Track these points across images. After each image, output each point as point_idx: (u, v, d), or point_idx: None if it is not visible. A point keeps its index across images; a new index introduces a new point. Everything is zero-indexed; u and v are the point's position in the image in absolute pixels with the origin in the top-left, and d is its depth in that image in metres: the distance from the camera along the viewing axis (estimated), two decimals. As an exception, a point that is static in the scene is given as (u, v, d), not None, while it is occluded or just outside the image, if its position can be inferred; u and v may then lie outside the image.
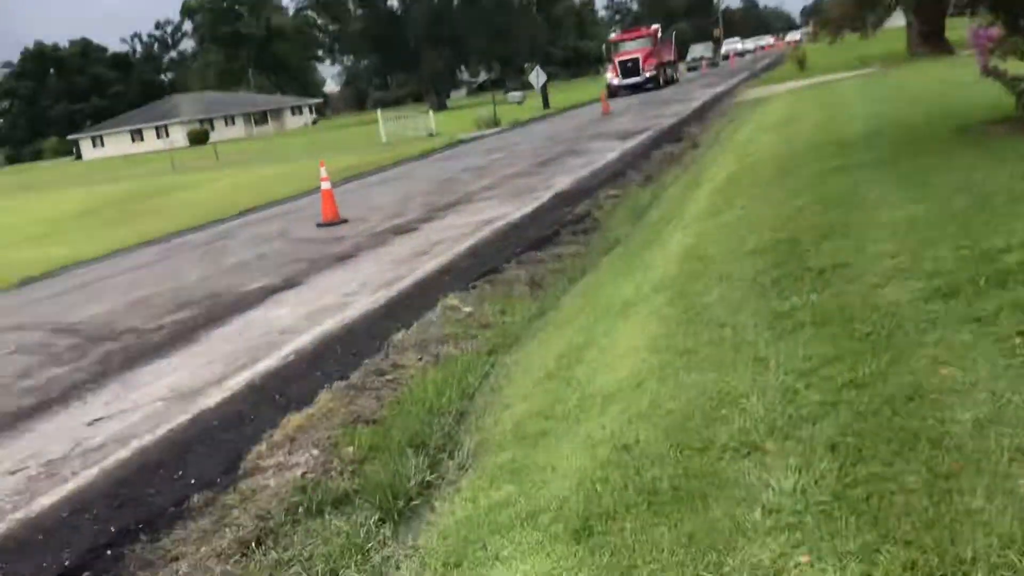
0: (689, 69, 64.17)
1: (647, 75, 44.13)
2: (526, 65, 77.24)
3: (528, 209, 12.44)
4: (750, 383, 3.72)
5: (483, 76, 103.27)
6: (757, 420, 3.38)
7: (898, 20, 29.44)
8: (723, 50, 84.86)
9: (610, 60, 47.04)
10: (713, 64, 67.29)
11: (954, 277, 4.25)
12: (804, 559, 2.50)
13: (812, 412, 3.31)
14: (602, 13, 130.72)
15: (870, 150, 8.68)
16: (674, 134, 19.96)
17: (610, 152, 18.38)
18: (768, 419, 3.36)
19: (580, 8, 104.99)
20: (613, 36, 49.96)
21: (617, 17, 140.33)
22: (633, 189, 12.72)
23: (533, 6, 67.56)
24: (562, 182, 14.75)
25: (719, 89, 35.12)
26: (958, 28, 21.11)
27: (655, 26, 51.24)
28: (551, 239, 9.92)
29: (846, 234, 5.55)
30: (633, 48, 46.63)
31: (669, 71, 49.15)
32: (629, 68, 44.71)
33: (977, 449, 2.78)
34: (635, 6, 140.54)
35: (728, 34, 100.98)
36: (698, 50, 74.49)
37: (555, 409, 4.50)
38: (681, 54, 63.74)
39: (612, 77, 45.54)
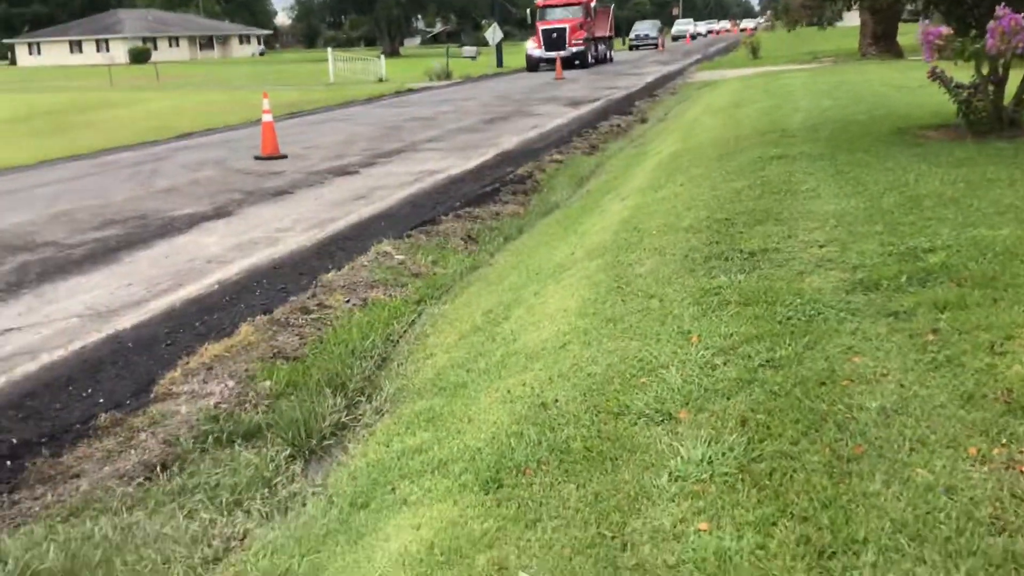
0: (631, 48, 59.98)
1: (574, 49, 38.30)
2: (484, 21, 76.39)
3: (471, 165, 12.37)
4: (671, 354, 3.78)
5: (439, 27, 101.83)
6: (674, 390, 3.43)
7: (853, 19, 29.92)
8: (674, 30, 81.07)
9: (534, 27, 40.66)
10: (658, 46, 59.75)
11: (877, 272, 4.35)
12: (703, 527, 2.55)
13: (727, 387, 3.37)
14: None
15: (810, 142, 8.82)
16: (623, 107, 20.00)
17: (559, 117, 18.36)
18: (684, 390, 3.41)
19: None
20: (540, 1, 42.00)
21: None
22: (578, 156, 12.73)
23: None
24: (508, 141, 14.69)
25: (672, 68, 35.27)
26: (909, 34, 21.52)
27: None
28: (491, 196, 9.89)
29: (779, 220, 5.65)
30: (561, 16, 40.17)
31: (602, 48, 43.43)
32: (554, 39, 38.72)
33: (880, 436, 2.86)
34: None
35: (687, 15, 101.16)
36: (643, 28, 64.43)
37: (478, 362, 4.51)
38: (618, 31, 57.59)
39: (533, 47, 39.60)
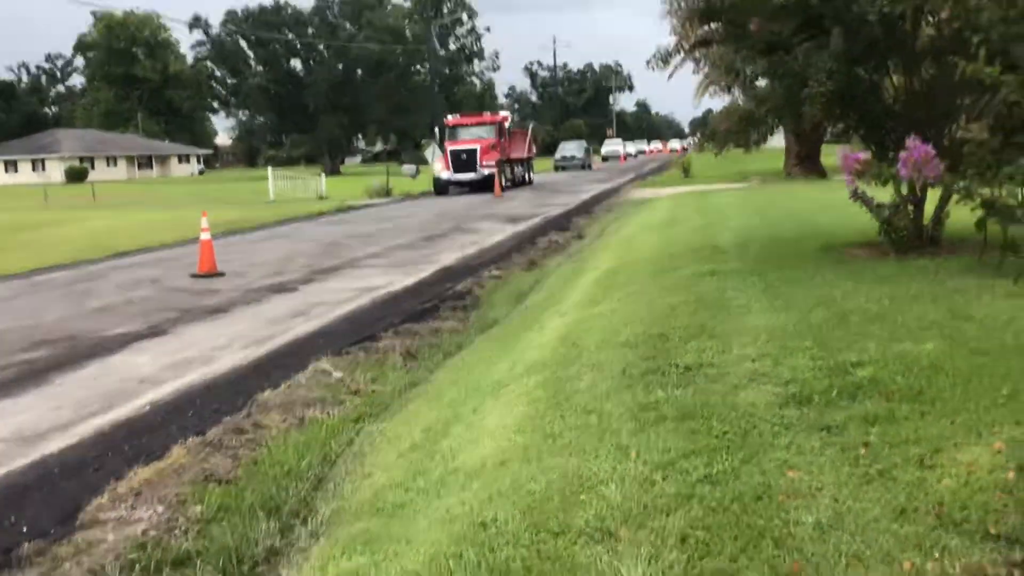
0: (557, 169, 56.89)
1: (485, 172, 34.40)
2: (423, 140, 78.05)
3: (410, 281, 12.44)
4: (610, 470, 3.78)
5: (380, 146, 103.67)
6: (614, 507, 3.42)
7: (779, 141, 31.24)
8: (604, 150, 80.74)
9: (442, 148, 37.13)
10: (584, 167, 57.55)
11: (809, 386, 4.45)
12: (646, 648, 2.52)
13: (666, 503, 3.38)
14: (502, 100, 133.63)
15: (741, 259, 9.08)
16: (562, 223, 20.42)
17: (499, 233, 18.64)
18: (624, 507, 3.41)
19: (481, 92, 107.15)
20: (450, 119, 39.39)
21: (516, 106, 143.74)
22: (517, 272, 12.90)
23: (435, 85, 68.44)
24: (448, 258, 14.84)
25: (608, 186, 36.24)
26: (831, 155, 22.50)
27: (503, 114, 42.17)
28: (431, 313, 9.93)
29: (712, 335, 5.76)
30: (471, 137, 36.59)
31: (519, 170, 40.05)
32: (463, 160, 35.23)
33: (816, 552, 2.88)
34: (534, 98, 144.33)
35: (620, 135, 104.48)
36: (569, 148, 61.78)
37: (416, 481, 4.45)
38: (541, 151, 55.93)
39: (441, 169, 36.00)
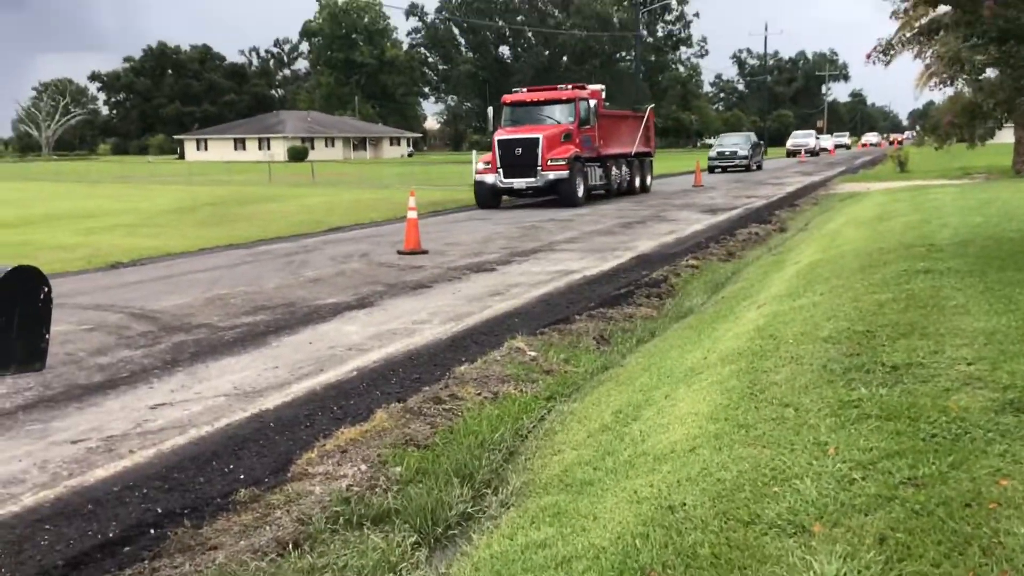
0: (711, 170, 42.52)
1: (551, 176, 23.03)
2: (624, 128, 77.68)
3: (607, 266, 12.48)
4: (806, 465, 3.68)
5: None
6: (808, 502, 3.33)
7: (1007, 135, 29.00)
8: (789, 144, 67.54)
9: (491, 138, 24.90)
10: (750, 167, 44.09)
11: (1030, 393, 4.15)
12: (836, 645, 2.46)
13: (866, 503, 3.25)
14: (707, 88, 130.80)
15: (959, 257, 8.52)
16: (763, 216, 19.84)
17: (696, 223, 18.37)
18: (820, 503, 3.31)
19: (685, 79, 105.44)
20: (508, 96, 26.07)
21: (722, 95, 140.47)
22: (714, 262, 12.67)
23: (639, 72, 67.71)
24: (644, 245, 14.77)
25: (815, 179, 34.84)
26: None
27: (593, 88, 26.54)
28: (625, 298, 9.93)
29: (924, 335, 5.46)
30: (532, 124, 24.21)
31: (622, 172, 27.14)
32: (518, 158, 23.27)
33: (1030, 565, 2.70)
34: (741, 86, 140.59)
35: (833, 128, 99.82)
36: (728, 143, 46.68)
37: (605, 461, 4.50)
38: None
39: (484, 170, 24.04)
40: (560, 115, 24.34)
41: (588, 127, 24.48)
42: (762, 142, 50.07)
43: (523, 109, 25.06)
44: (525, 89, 26.78)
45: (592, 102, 24.91)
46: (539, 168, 22.99)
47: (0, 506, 4.61)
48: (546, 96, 25.05)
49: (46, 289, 2.61)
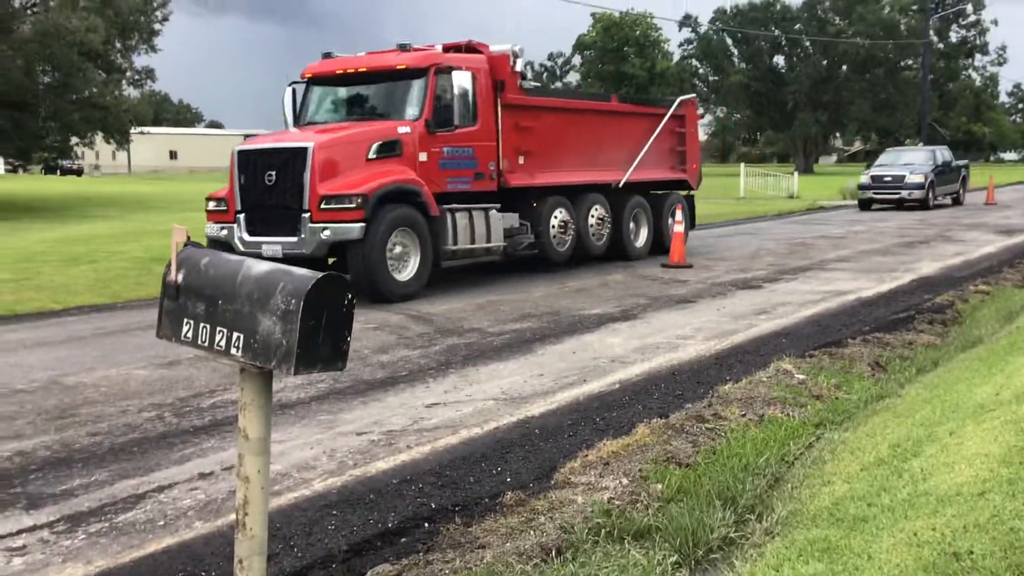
0: (862, 205, 29.09)
1: (324, 233, 10.95)
2: (907, 140, 73.00)
3: (883, 288, 11.79)
4: (1119, 524, 3.29)
5: (857, 145, 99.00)
6: (1121, 566, 2.99)
7: None
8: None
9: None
10: (919, 203, 28.10)
11: None
12: None
13: None
14: (1004, 99, 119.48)
15: None
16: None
17: (987, 245, 16.92)
18: None
19: (979, 88, 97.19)
20: (314, 66, 13.35)
21: (1020, 106, 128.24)
22: (1008, 288, 11.61)
23: (927, 81, 63.00)
24: (926, 267, 13.81)
25: None
26: None
27: (498, 49, 13.28)
28: (904, 323, 9.32)
29: None
30: (351, 121, 12.72)
31: (585, 218, 14.35)
32: (268, 191, 11.44)
33: None
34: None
35: None
36: (899, 162, 30.24)
37: (880, 497, 4.25)
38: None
39: (214, 214, 12.15)
40: (392, 104, 12.64)
41: (465, 127, 12.49)
42: (959, 163, 32.67)
43: (342, 92, 13.53)
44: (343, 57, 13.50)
45: (473, 75, 12.60)
46: (303, 214, 11.17)
47: (295, 489, 5.08)
48: (371, 65, 12.85)
49: (350, 296, 2.86)
